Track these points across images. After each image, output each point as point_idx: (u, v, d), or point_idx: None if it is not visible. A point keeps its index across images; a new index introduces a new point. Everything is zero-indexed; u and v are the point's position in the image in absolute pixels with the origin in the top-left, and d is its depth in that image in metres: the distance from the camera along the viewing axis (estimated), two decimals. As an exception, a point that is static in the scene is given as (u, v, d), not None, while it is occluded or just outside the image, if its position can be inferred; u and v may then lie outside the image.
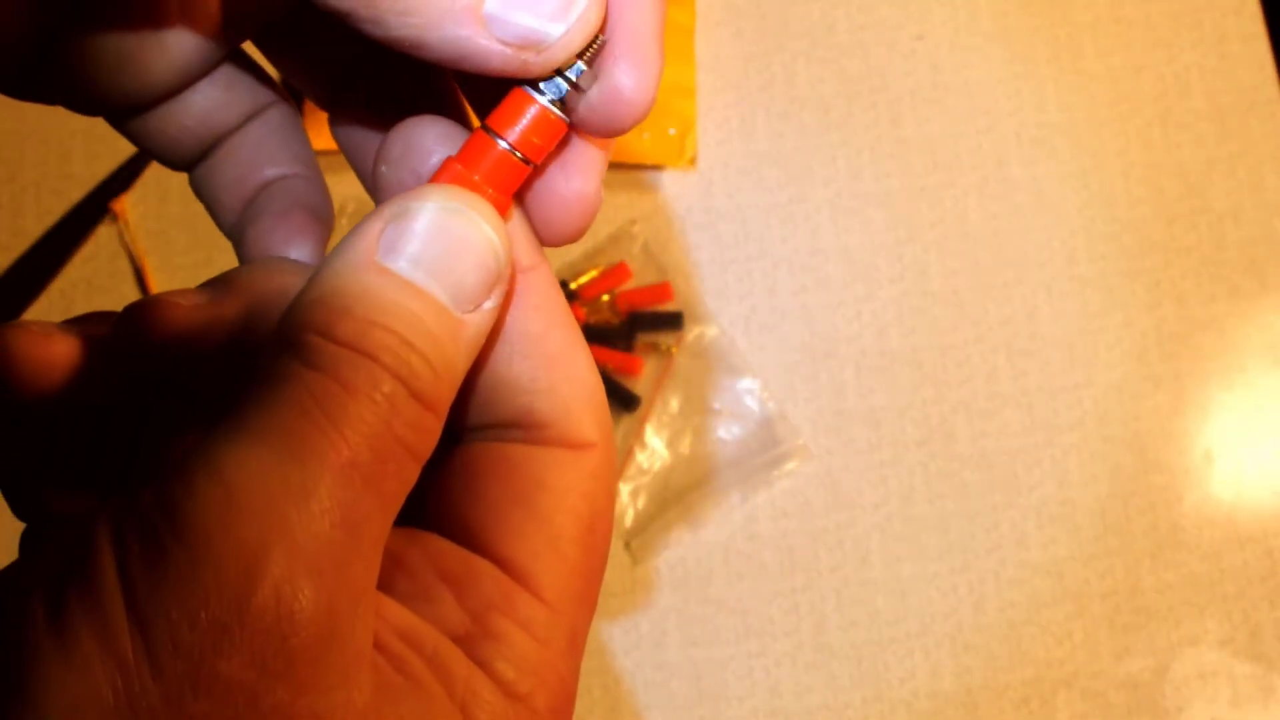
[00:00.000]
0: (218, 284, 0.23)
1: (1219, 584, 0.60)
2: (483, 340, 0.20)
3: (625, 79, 0.21)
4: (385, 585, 0.20)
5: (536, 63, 0.20)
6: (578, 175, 0.23)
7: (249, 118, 0.26)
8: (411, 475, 0.18)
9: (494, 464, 0.22)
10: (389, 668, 0.18)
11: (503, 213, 0.21)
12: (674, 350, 0.62)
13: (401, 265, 0.19)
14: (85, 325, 0.23)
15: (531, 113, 0.21)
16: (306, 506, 0.16)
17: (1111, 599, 0.60)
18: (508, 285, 0.21)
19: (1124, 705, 0.59)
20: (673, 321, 0.62)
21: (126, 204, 0.64)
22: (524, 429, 0.22)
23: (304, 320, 0.18)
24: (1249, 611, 0.60)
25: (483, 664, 0.20)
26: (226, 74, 0.26)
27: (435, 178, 0.21)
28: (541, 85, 0.21)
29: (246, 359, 0.22)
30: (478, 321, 0.20)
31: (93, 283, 0.64)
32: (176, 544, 0.16)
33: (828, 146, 0.65)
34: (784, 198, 0.64)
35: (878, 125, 0.65)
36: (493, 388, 0.22)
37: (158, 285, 0.63)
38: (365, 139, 0.26)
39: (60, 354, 0.22)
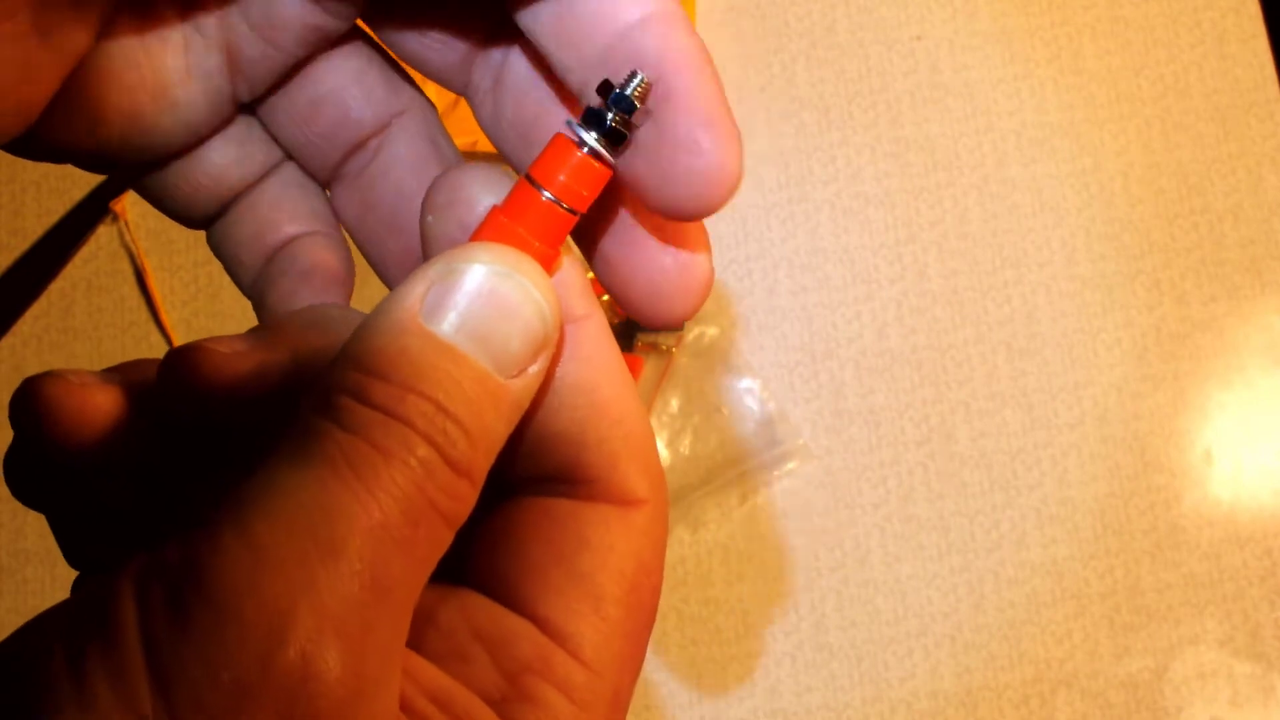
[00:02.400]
0: (263, 331, 0.22)
1: (1218, 584, 0.60)
2: (527, 404, 0.20)
3: (704, 144, 0.20)
4: (417, 643, 0.20)
5: None
6: (679, 245, 0.22)
7: (264, 174, 0.26)
8: (444, 540, 0.18)
9: (537, 519, 0.21)
10: None
11: (550, 264, 0.21)
12: (674, 350, 0.62)
13: (444, 329, 0.19)
14: (124, 374, 0.22)
15: (574, 159, 0.20)
16: (335, 567, 0.16)
17: (1111, 599, 0.60)
18: (555, 349, 0.20)
19: (1123, 705, 0.59)
20: (673, 321, 0.62)
21: (126, 204, 0.64)
22: (570, 483, 0.21)
23: (339, 382, 0.18)
24: (1248, 611, 0.60)
25: None
26: (239, 130, 0.25)
27: (480, 230, 0.21)
28: (584, 126, 0.20)
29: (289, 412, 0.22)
30: (521, 387, 0.20)
31: (93, 283, 0.64)
32: (200, 601, 0.16)
33: (828, 146, 0.65)
34: (784, 198, 0.64)
35: (877, 125, 0.65)
36: (540, 440, 0.22)
37: (158, 285, 0.63)
38: (367, 214, 0.25)
39: (98, 405, 0.21)
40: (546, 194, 0.20)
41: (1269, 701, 0.59)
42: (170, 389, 0.21)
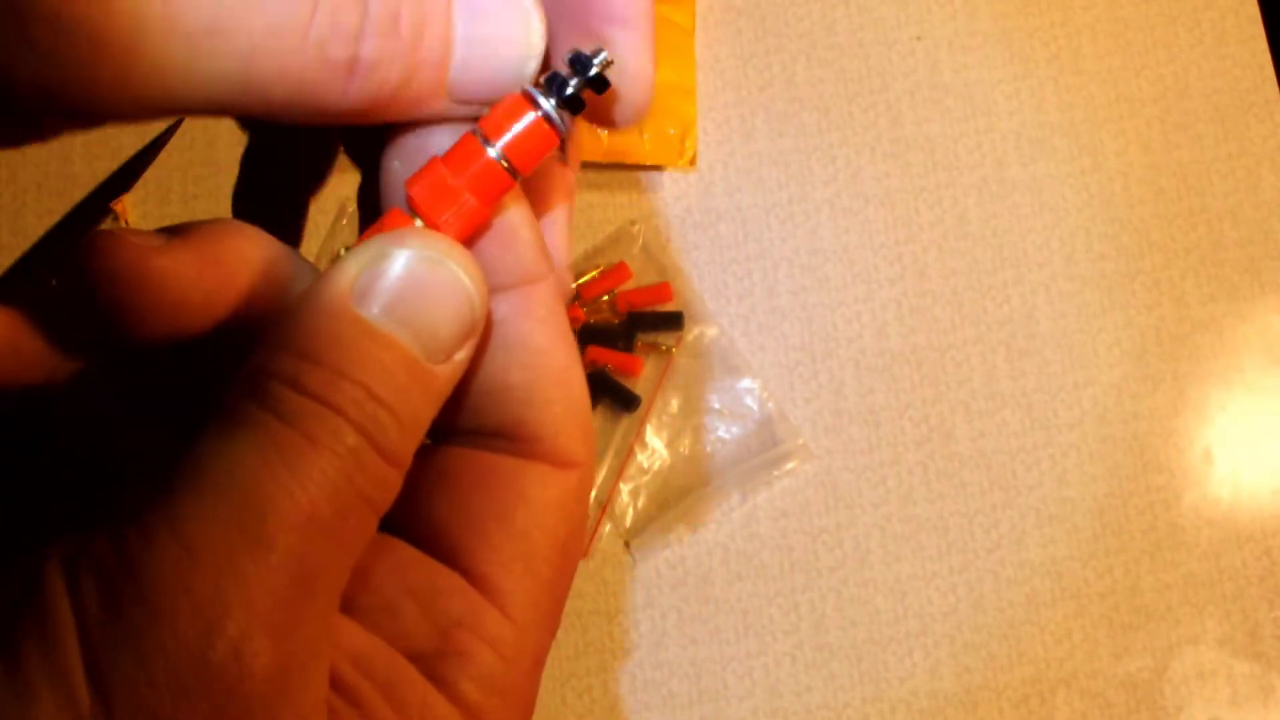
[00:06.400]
0: (176, 234, 0.22)
1: (1217, 584, 0.60)
2: (450, 391, 0.20)
3: (626, 59, 0.21)
4: (347, 596, 0.20)
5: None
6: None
7: None
8: (370, 527, 0.19)
9: (476, 472, 0.21)
10: (342, 702, 0.18)
11: (483, 222, 0.21)
12: (674, 350, 0.62)
13: (375, 313, 0.19)
14: (29, 279, 0.22)
15: (525, 121, 0.20)
16: (265, 561, 0.16)
17: (1110, 598, 0.60)
18: (481, 336, 0.21)
19: (1123, 704, 0.59)
20: (673, 321, 0.62)
21: (127, 204, 0.64)
22: (512, 440, 0.22)
23: (271, 366, 0.18)
24: (1248, 611, 0.60)
25: (445, 683, 0.19)
26: None
27: (415, 177, 0.20)
28: (543, 89, 0.20)
29: (207, 337, 0.21)
30: (448, 373, 0.20)
31: (93, 283, 0.64)
32: (135, 600, 0.16)
33: (828, 146, 0.65)
34: (784, 198, 0.64)
35: (878, 125, 0.65)
36: (487, 394, 0.22)
37: (158, 285, 0.63)
38: None
39: None
40: (491, 151, 0.20)
41: (1268, 701, 0.59)
42: (81, 278, 0.21)
